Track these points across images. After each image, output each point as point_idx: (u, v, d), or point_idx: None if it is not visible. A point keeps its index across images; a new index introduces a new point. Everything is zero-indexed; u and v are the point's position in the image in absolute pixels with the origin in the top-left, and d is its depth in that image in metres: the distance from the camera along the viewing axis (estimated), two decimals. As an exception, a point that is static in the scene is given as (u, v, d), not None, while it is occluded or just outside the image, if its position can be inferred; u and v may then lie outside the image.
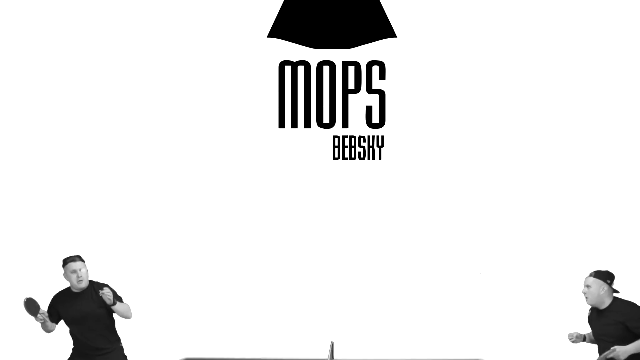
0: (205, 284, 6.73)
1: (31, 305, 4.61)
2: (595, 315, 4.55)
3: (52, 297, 4.86)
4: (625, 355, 4.25)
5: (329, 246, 6.77)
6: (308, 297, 6.66)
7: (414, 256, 6.76)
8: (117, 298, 4.88)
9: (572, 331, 4.70)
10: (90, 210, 6.70)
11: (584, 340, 4.69)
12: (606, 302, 4.44)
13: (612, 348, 4.28)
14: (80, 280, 4.71)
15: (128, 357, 5.10)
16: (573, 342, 4.68)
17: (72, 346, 4.94)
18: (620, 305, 4.41)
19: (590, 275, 4.49)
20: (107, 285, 4.88)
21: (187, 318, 6.61)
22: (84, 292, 4.77)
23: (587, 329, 4.74)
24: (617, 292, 4.47)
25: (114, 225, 6.70)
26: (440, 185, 6.75)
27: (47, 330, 4.81)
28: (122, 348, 5.08)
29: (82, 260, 4.81)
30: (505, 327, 6.34)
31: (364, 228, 6.78)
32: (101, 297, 4.63)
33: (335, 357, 5.15)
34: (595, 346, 4.64)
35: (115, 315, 4.96)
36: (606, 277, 4.43)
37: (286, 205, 6.79)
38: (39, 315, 4.62)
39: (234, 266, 6.75)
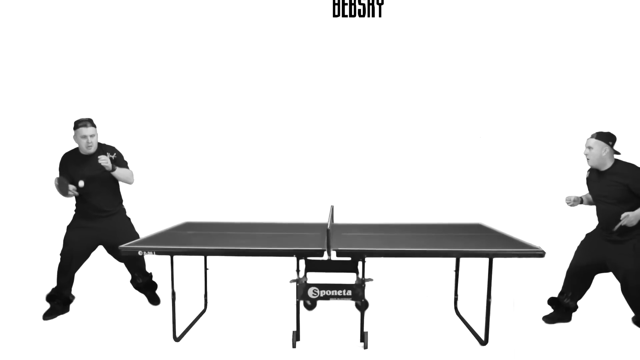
0: (208, 151, 6.74)
1: (62, 185, 4.70)
2: (596, 177, 4.52)
3: (61, 156, 4.89)
4: (637, 220, 4.29)
5: (329, 107, 6.70)
6: (309, 163, 6.68)
7: (413, 119, 6.70)
8: (123, 163, 4.93)
9: (569, 194, 4.71)
10: (102, 77, 6.67)
11: (582, 202, 4.71)
12: (607, 164, 4.41)
13: (624, 214, 4.30)
14: (89, 146, 4.77)
15: (131, 220, 5.20)
16: (571, 205, 4.69)
17: (75, 208, 4.99)
18: (622, 167, 4.38)
19: (592, 136, 4.44)
20: (114, 149, 4.93)
21: (189, 183, 6.68)
22: (93, 155, 4.81)
23: (583, 192, 4.75)
24: (618, 153, 4.43)
25: (124, 92, 6.70)
26: (440, 44, 6.59)
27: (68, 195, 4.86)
28: (124, 210, 5.15)
29: (94, 126, 4.81)
30: (505, 191, 6.40)
31: (364, 88, 6.68)
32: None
33: (334, 221, 5.20)
34: (593, 208, 4.69)
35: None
36: (608, 138, 4.39)
37: (286, 64, 6.66)
38: (69, 192, 4.73)
39: (237, 133, 6.73)
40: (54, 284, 4.94)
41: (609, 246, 4.48)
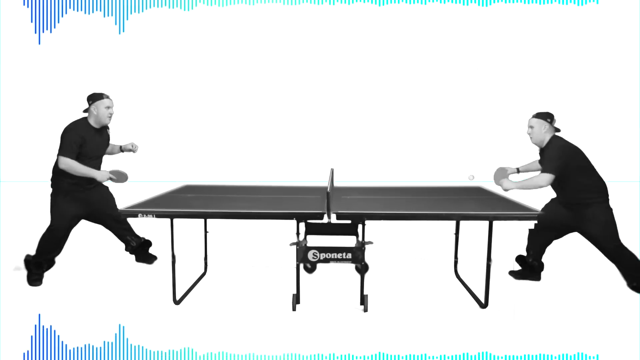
0: (209, 113, 6.70)
1: (121, 176, 4.71)
2: (541, 154, 4.69)
3: (73, 126, 4.66)
4: (509, 187, 4.44)
5: (329, 69, 6.65)
6: (309, 126, 6.66)
7: (413, 81, 6.66)
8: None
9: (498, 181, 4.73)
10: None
11: (518, 172, 4.95)
12: (546, 140, 4.54)
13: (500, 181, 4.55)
14: (109, 117, 4.72)
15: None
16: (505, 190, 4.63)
17: (64, 180, 4.71)
18: (551, 142, 4.51)
19: (533, 116, 4.59)
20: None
21: (189, 145, 6.65)
22: (102, 130, 4.78)
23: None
24: (558, 130, 4.58)
25: (120, 55, 6.59)
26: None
27: None
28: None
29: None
30: (495, 152, 6.41)
31: (364, 49, 6.64)
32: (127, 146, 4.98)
33: (335, 184, 5.18)
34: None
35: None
36: (545, 116, 4.55)
37: (288, 28, 6.60)
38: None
39: (237, 96, 6.68)
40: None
41: (569, 212, 4.55)
